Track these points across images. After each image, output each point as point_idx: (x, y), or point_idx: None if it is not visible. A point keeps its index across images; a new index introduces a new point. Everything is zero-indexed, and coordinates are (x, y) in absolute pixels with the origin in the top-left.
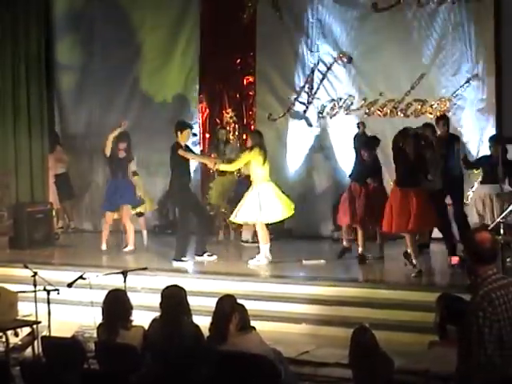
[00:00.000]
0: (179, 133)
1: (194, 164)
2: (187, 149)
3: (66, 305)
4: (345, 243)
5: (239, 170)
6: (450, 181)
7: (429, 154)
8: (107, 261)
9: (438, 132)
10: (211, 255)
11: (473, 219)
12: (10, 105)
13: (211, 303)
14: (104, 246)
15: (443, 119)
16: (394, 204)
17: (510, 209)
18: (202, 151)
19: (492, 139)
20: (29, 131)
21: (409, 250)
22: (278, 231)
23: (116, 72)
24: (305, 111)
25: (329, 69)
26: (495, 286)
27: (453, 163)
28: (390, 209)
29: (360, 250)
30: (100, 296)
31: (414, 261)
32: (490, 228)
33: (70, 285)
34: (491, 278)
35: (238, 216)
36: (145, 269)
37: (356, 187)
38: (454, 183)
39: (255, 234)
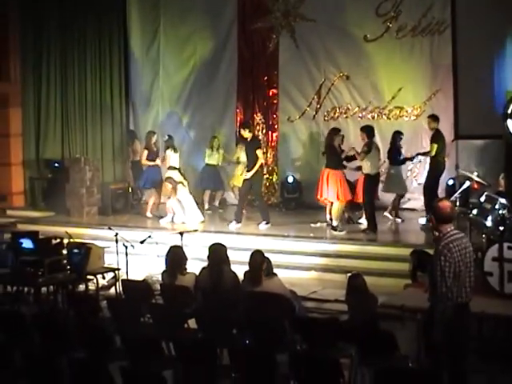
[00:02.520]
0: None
1: None
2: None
3: (139, 256)
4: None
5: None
6: None
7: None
8: (169, 224)
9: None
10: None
11: None
12: (99, 110)
13: (245, 256)
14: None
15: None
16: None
17: (463, 188)
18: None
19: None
20: (112, 129)
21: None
22: (295, 203)
23: (175, 87)
24: (314, 115)
25: (332, 84)
26: (453, 239)
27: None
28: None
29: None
30: (163, 250)
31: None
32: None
33: (142, 242)
34: (450, 233)
35: None
36: (196, 231)
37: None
38: None
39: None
